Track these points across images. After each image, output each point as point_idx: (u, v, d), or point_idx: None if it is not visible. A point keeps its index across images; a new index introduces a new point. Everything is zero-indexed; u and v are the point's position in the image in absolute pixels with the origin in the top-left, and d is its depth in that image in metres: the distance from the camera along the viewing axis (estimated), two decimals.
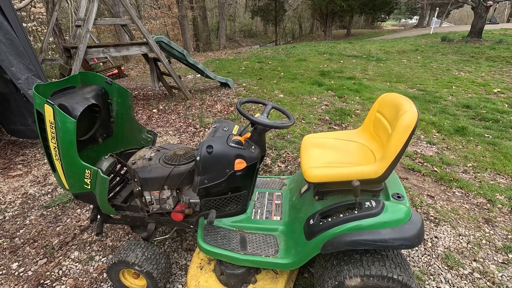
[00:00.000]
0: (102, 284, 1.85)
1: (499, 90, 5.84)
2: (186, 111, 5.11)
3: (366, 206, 1.35)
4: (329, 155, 1.60)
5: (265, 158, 3.34)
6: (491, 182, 2.82)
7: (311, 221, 1.46)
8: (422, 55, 10.06)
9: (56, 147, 1.54)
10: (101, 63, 7.64)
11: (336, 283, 1.34)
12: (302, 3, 28.12)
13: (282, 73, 7.96)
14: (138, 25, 4.81)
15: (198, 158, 1.50)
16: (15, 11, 3.35)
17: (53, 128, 1.48)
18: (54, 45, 9.89)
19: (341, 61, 9.59)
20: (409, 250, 2.04)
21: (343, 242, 1.32)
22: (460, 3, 22.23)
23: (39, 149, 3.80)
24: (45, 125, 1.50)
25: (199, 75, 7.91)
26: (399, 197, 1.44)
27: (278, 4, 26.51)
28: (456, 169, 3.09)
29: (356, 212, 1.35)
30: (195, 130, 4.31)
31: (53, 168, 1.65)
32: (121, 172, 2.14)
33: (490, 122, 4.28)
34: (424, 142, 3.73)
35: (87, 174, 1.58)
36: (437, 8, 19.55)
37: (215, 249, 1.56)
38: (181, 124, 4.58)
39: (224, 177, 1.55)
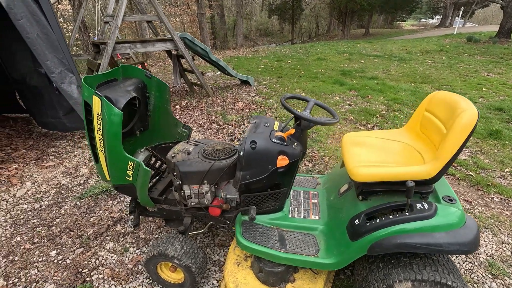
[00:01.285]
0: (137, 275, 1.87)
1: None
2: (208, 108, 5.13)
3: (418, 208, 1.30)
4: (374, 154, 1.55)
5: None
6: None
7: (356, 222, 1.42)
8: (447, 56, 9.72)
9: (101, 138, 1.56)
10: (123, 59, 7.79)
11: (384, 286, 1.30)
12: (320, 2, 27.76)
13: (302, 72, 7.88)
14: (164, 21, 4.87)
15: (241, 153, 1.49)
16: (52, 5, 3.44)
17: (100, 119, 1.50)
18: (79, 41, 10.16)
19: (362, 61, 9.40)
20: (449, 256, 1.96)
21: (393, 244, 1.27)
22: (487, 2, 21.35)
23: (69, 141, 3.91)
24: (92, 116, 1.53)
25: (219, 72, 7.96)
26: (450, 200, 1.38)
27: (296, 3, 26.29)
28: (493, 174, 2.95)
29: (407, 213, 1.30)
30: (218, 126, 4.32)
31: (96, 159, 1.68)
32: (156, 166, 2.16)
33: None
34: None
35: (130, 166, 1.60)
36: (462, 8, 18.84)
37: (254, 246, 1.54)
38: (204, 120, 4.60)
39: (266, 173, 1.53)
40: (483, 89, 5.89)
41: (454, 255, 1.96)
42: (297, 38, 32.42)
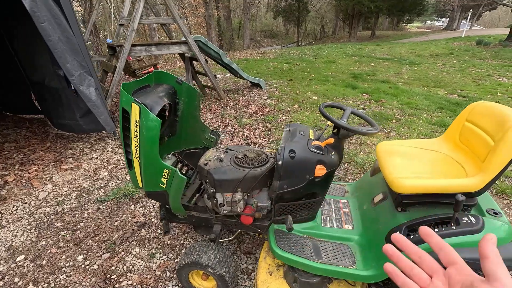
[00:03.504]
0: (167, 282, 1.86)
1: None
2: (222, 111, 5.13)
3: (465, 222, 1.28)
4: (414, 165, 1.53)
5: None
6: None
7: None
8: (458, 59, 9.65)
9: (137, 146, 1.55)
10: (135, 61, 7.81)
11: None
12: (326, 4, 27.77)
13: (313, 75, 7.86)
14: (179, 24, 4.88)
15: (280, 162, 1.47)
16: (73, 8, 3.46)
17: (138, 126, 1.49)
18: (89, 43, 10.22)
19: (372, 64, 9.36)
20: None
21: None
22: (494, 4, 21.19)
23: (85, 143, 3.92)
24: (129, 124, 1.52)
25: (228, 74, 7.96)
26: (495, 213, 1.35)
27: (302, 4, 26.32)
28: None
29: (454, 227, 1.27)
30: (233, 130, 4.31)
31: (130, 166, 1.67)
32: (182, 172, 2.15)
33: None
34: None
35: (165, 174, 1.59)
36: (471, 10, 18.71)
37: (290, 256, 1.53)
38: (219, 123, 4.60)
39: (304, 183, 1.52)
40: (498, 94, 5.83)
41: None
42: (302, 40, 32.43)
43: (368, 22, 28.02)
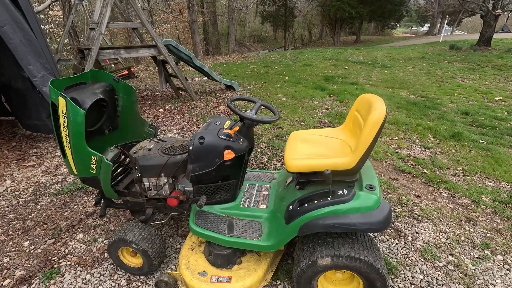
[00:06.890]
0: (103, 262, 2.03)
1: (501, 98, 5.87)
2: (191, 112, 5.32)
3: (339, 193, 1.50)
4: (311, 149, 1.75)
5: (262, 156, 3.50)
6: (479, 185, 2.91)
7: (291, 207, 1.61)
8: (428, 63, 10.09)
9: (67, 135, 1.74)
10: (112, 64, 7.96)
11: (310, 262, 1.49)
12: (312, 10, 28.39)
13: (287, 78, 8.13)
14: (147, 28, 5.08)
15: (191, 148, 1.68)
16: (35, 13, 3.62)
17: (65, 118, 1.68)
18: (69, 47, 10.32)
19: (346, 67, 9.71)
20: (389, 242, 2.16)
21: (317, 225, 1.46)
22: (470, 11, 22.08)
23: (51, 143, 4.05)
24: (58, 115, 1.71)
25: (206, 77, 8.18)
26: (371, 187, 1.57)
27: (288, 10, 26.86)
28: (447, 172, 3.18)
29: (329, 199, 1.49)
30: (198, 129, 4.50)
31: (64, 154, 1.85)
32: (125, 163, 2.33)
33: (487, 128, 4.34)
34: (419, 146, 3.83)
35: (93, 160, 1.78)
36: (447, 16, 19.45)
37: (204, 231, 1.72)
38: (185, 123, 4.79)
39: (214, 166, 1.72)
40: (455, 94, 6.19)
41: (373, 234, 2.16)
42: (290, 45, 32.96)
43: (352, 27, 28.76)
